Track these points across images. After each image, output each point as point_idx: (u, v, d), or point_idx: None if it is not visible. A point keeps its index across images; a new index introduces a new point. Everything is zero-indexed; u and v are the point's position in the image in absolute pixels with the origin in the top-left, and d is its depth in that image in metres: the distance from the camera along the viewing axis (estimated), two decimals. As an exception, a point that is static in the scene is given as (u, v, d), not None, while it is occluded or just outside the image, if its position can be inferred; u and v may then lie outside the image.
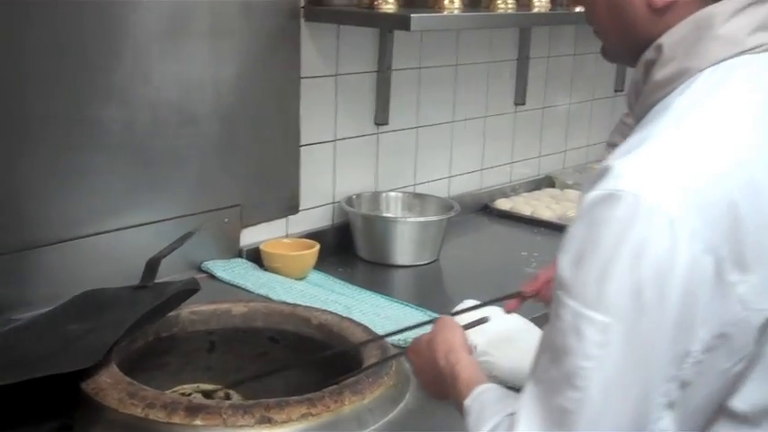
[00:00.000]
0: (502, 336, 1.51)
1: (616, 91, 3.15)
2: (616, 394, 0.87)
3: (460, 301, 1.63)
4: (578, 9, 2.49)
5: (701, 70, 0.94)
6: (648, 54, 0.98)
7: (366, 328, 1.60)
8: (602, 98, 3.11)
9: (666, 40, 0.96)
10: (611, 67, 3.10)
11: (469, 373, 1.13)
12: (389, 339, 1.56)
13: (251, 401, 1.30)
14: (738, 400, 0.93)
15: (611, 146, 1.08)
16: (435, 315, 1.72)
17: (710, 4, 0.95)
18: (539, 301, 1.48)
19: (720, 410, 0.93)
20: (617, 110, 3.11)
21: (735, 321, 0.87)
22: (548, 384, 0.91)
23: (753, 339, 0.89)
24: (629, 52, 1.02)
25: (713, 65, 0.94)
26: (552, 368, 0.90)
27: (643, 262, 0.84)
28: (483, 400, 1.05)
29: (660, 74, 0.96)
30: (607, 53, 1.09)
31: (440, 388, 1.19)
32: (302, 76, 2.08)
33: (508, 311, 1.49)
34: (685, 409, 0.89)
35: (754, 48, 0.94)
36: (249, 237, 2.04)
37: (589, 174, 0.85)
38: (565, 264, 0.89)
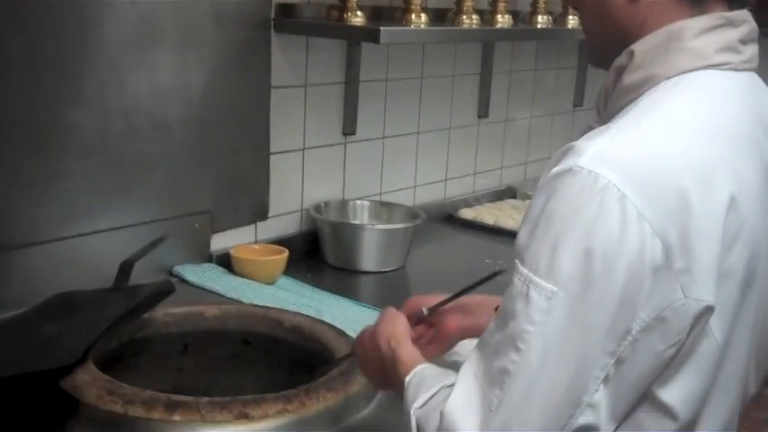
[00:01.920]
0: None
1: (575, 106, 3.23)
2: (554, 360, 0.90)
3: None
4: (540, 26, 2.56)
5: (667, 78, 0.99)
6: (620, 60, 1.03)
7: (338, 331, 1.63)
8: (563, 113, 3.19)
9: (638, 47, 1.01)
10: (571, 82, 3.18)
11: (411, 356, 1.15)
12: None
13: (228, 398, 1.33)
14: (666, 392, 0.96)
15: None
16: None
17: (682, 13, 1.01)
18: None
19: (646, 397, 0.96)
20: (576, 124, 3.19)
21: (674, 307, 0.90)
22: (492, 347, 0.95)
23: (687, 326, 0.92)
24: (608, 53, 1.06)
25: (678, 74, 0.99)
26: (498, 332, 0.95)
27: (593, 236, 0.88)
28: (422, 375, 1.08)
29: (629, 79, 1.01)
30: (591, 57, 1.14)
31: (383, 376, 1.20)
32: (272, 85, 2.11)
33: None
34: (617, 387, 0.92)
35: (720, 64, 1.00)
36: (219, 242, 2.06)
37: (555, 153, 0.91)
38: (523, 233, 0.94)
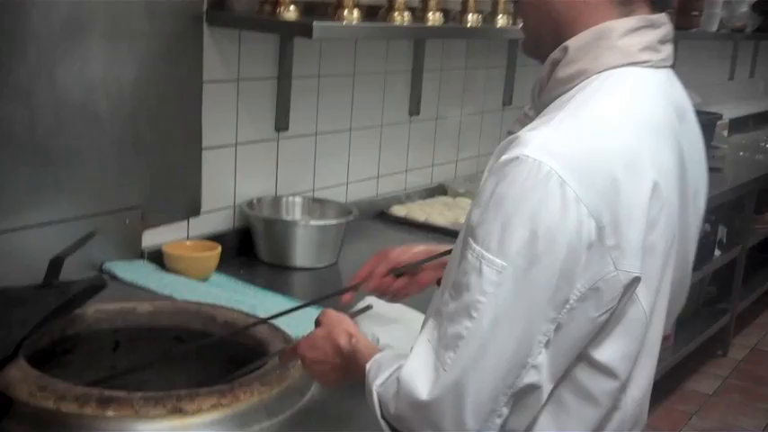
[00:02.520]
0: (398, 326, 1.58)
1: (504, 104, 3.28)
2: (503, 326, 1.02)
3: (359, 300, 1.68)
4: (469, 24, 2.60)
5: (597, 72, 1.10)
6: (555, 54, 1.14)
7: (271, 325, 1.63)
8: (492, 111, 3.23)
9: (572, 43, 1.12)
10: (500, 81, 3.23)
11: (369, 348, 1.24)
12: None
13: (162, 392, 1.32)
14: (599, 352, 1.08)
15: (510, 134, 1.21)
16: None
17: (612, 12, 1.12)
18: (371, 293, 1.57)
19: (582, 357, 1.07)
20: (506, 123, 3.24)
21: (607, 278, 1.02)
22: (446, 315, 1.06)
23: (618, 295, 1.04)
24: (542, 45, 1.16)
25: (607, 69, 1.10)
26: (452, 302, 1.05)
27: (538, 218, 1.00)
28: (381, 360, 1.17)
29: (563, 72, 1.12)
30: (526, 48, 1.23)
31: (341, 374, 1.28)
32: (204, 79, 2.10)
33: (346, 302, 1.57)
34: (557, 350, 1.03)
35: (643, 62, 1.12)
36: (151, 238, 2.04)
37: (500, 144, 1.01)
38: (474, 213, 1.05)
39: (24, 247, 1.75)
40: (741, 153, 4.49)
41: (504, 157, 1.03)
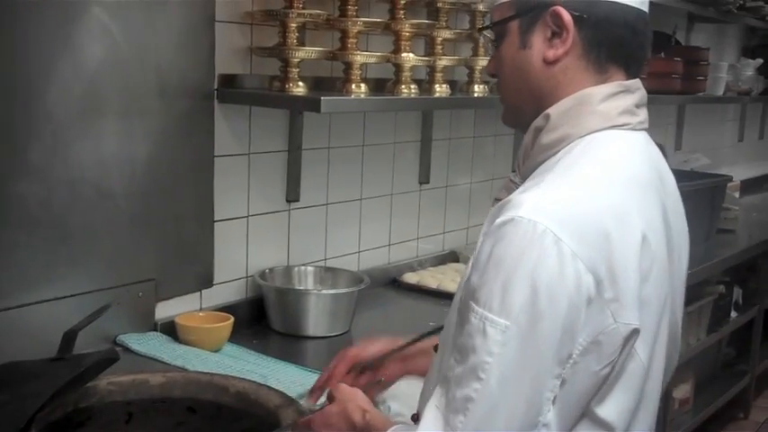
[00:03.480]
0: (409, 392, 1.58)
1: (513, 171, 3.30)
2: (512, 385, 1.03)
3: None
4: (476, 95, 2.65)
5: (580, 137, 1.17)
6: (538, 122, 1.20)
7: (284, 396, 1.64)
8: (501, 178, 3.26)
9: (553, 110, 1.19)
10: (509, 148, 3.27)
11: (383, 422, 1.25)
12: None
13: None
14: (602, 408, 1.10)
15: (497, 201, 1.23)
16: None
17: (589, 79, 1.19)
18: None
19: (586, 414, 1.08)
20: (515, 189, 3.28)
21: (607, 331, 1.06)
22: (453, 380, 1.07)
23: (619, 347, 1.07)
24: (522, 114, 1.24)
25: (589, 134, 1.17)
26: (458, 365, 1.06)
27: (537, 276, 1.03)
28: (396, 429, 1.21)
29: (546, 138, 1.19)
30: (507, 118, 1.30)
31: None
32: (216, 154, 2.15)
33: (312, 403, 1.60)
34: (563, 406, 1.04)
35: (622, 125, 1.19)
36: (164, 310, 2.07)
37: (492, 210, 1.05)
38: (474, 277, 1.08)
39: (39, 322, 1.78)
40: (754, 214, 4.49)
41: (498, 220, 1.07)
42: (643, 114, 1.22)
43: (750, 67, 4.52)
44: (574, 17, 1.18)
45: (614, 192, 1.11)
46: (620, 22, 1.19)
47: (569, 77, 1.19)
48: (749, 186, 5.07)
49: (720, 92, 4.19)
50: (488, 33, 1.29)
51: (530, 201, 1.07)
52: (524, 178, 1.20)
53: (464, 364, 1.05)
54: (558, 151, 1.16)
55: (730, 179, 4.16)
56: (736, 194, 4.61)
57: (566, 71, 1.19)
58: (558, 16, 1.19)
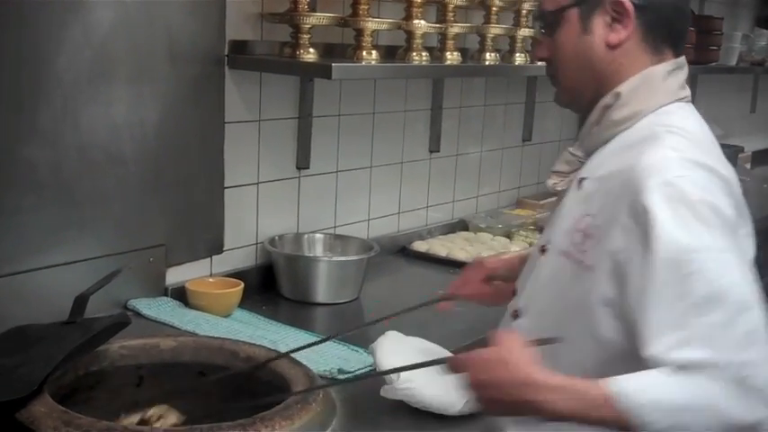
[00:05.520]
0: (419, 359, 1.59)
1: (524, 141, 3.30)
2: (746, 291, 1.17)
3: (381, 334, 1.71)
4: (488, 62, 2.63)
5: (651, 111, 1.30)
6: (606, 100, 1.32)
7: (293, 360, 1.65)
8: (511, 147, 3.26)
9: (623, 89, 1.31)
10: (519, 118, 3.26)
11: (552, 377, 1.16)
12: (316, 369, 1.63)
13: (184, 427, 1.33)
14: None
15: (558, 173, 1.40)
16: (359, 348, 1.80)
17: (648, 60, 1.33)
18: (468, 301, 1.65)
19: None
20: (525, 159, 3.27)
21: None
22: (719, 325, 1.13)
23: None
24: (582, 96, 1.37)
25: (659, 108, 1.31)
26: (713, 313, 1.13)
27: (718, 203, 1.20)
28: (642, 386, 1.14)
29: (617, 114, 1.31)
30: (562, 100, 1.42)
31: (514, 405, 1.18)
32: (226, 120, 2.14)
33: (442, 310, 1.70)
34: None
35: (682, 98, 1.35)
36: (174, 276, 2.08)
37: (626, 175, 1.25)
38: (677, 235, 1.16)
39: (50, 286, 1.79)
40: (765, 185, 4.47)
41: (656, 179, 1.19)
42: (689, 88, 1.37)
43: (764, 38, 4.47)
44: (634, 4, 1.31)
45: (714, 148, 1.29)
46: (671, 5, 1.34)
47: (631, 60, 1.32)
48: (760, 157, 5.04)
49: (733, 62, 4.15)
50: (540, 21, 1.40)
51: (670, 154, 1.22)
52: (589, 152, 1.33)
53: (725, 306, 1.13)
54: (631, 126, 1.30)
55: (741, 150, 4.15)
56: (748, 165, 4.59)
57: (627, 54, 1.32)
58: (619, 3, 1.31)
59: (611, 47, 1.32)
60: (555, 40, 1.37)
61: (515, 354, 1.19)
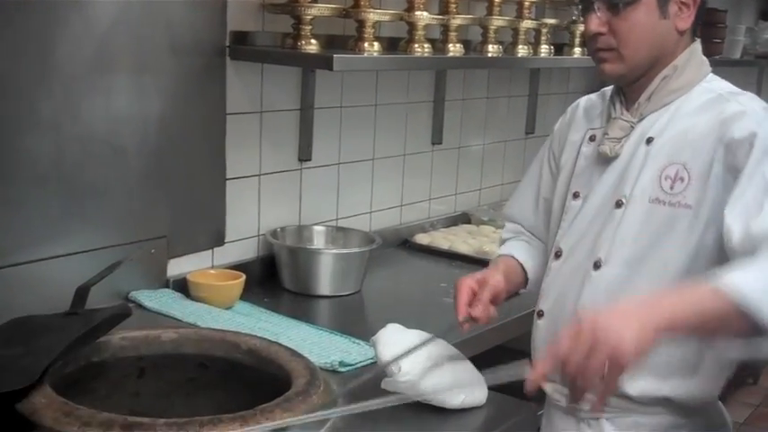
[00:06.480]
0: (424, 360, 1.58)
1: (527, 133, 3.29)
2: None
3: (383, 326, 1.70)
4: (490, 54, 2.62)
5: (699, 81, 1.55)
6: (666, 71, 1.53)
7: (294, 352, 1.64)
8: (514, 140, 3.25)
9: (678, 62, 1.54)
10: (522, 111, 3.25)
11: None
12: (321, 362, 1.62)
13: (185, 419, 1.33)
14: None
15: (612, 139, 1.56)
16: (359, 341, 1.80)
17: (691, 39, 1.56)
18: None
19: None
20: (529, 151, 3.25)
21: None
22: None
23: None
24: (639, 70, 1.53)
25: (703, 78, 1.56)
26: None
27: None
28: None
29: (675, 84, 1.54)
30: (616, 72, 1.53)
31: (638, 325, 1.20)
32: (228, 112, 2.14)
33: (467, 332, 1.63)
34: None
35: (712, 71, 1.59)
36: (176, 267, 2.07)
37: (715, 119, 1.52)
38: None
39: (51, 277, 1.79)
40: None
41: (751, 118, 1.44)
42: None
43: (768, 30, 4.46)
44: None
45: None
46: None
47: (685, 41, 1.54)
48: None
49: (737, 55, 4.13)
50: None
51: (751, 105, 1.49)
52: (644, 115, 1.53)
53: None
54: (686, 92, 1.53)
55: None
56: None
57: (685, 37, 1.54)
58: None
59: (680, 32, 1.52)
60: (626, 20, 1.50)
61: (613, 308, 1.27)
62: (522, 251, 1.75)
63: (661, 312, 1.23)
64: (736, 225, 1.37)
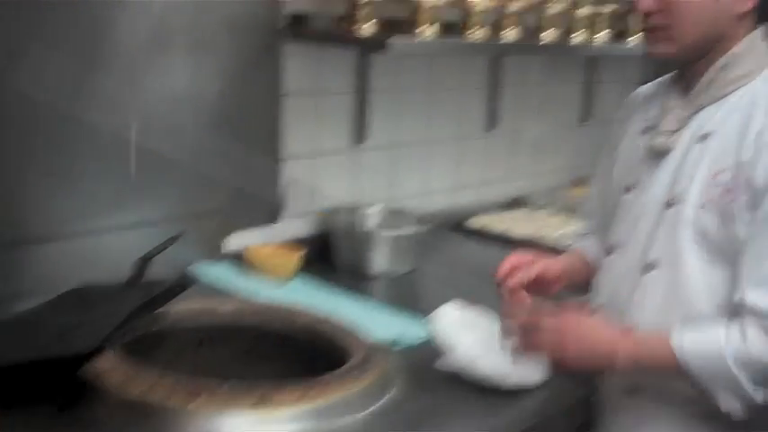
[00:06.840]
0: (487, 339, 1.58)
1: (581, 121, 3.26)
2: None
3: (438, 305, 1.68)
4: (546, 41, 2.59)
5: (760, 71, 1.43)
6: (723, 60, 1.43)
7: (349, 328, 1.65)
8: (569, 127, 3.22)
9: (737, 50, 1.43)
10: (577, 98, 3.22)
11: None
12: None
13: (249, 384, 1.34)
14: None
15: (664, 132, 1.48)
16: (414, 319, 1.80)
17: (752, 25, 1.44)
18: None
19: None
20: (583, 138, 3.21)
21: None
22: None
23: None
24: (692, 53, 1.44)
25: (765, 67, 1.44)
26: None
27: None
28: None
29: (733, 73, 1.43)
30: (669, 51, 1.44)
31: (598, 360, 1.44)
32: (283, 92, 2.15)
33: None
34: None
35: None
36: (233, 241, 2.10)
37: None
38: None
39: (112, 248, 1.82)
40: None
41: None
42: None
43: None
44: None
45: None
46: None
47: (746, 27, 1.44)
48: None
49: None
50: None
51: None
52: (699, 107, 1.44)
53: None
54: (746, 83, 1.42)
55: None
56: None
57: (745, 22, 1.43)
58: None
59: (739, 16, 1.42)
60: None
61: (590, 319, 1.47)
62: (590, 248, 1.70)
63: (623, 349, 1.41)
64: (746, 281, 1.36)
